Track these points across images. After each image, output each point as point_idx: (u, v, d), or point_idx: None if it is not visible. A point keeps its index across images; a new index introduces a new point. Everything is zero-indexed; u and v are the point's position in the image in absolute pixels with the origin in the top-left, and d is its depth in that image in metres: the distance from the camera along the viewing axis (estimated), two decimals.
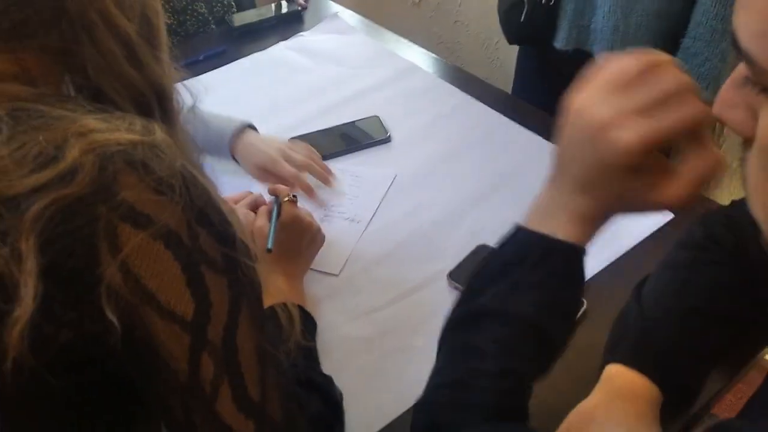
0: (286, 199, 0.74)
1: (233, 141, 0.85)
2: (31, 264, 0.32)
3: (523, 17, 1.01)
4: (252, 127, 0.88)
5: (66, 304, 0.34)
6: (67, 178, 0.34)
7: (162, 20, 0.50)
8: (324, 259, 0.76)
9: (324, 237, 0.76)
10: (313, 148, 0.89)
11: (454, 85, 1.08)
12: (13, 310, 0.32)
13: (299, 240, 0.73)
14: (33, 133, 0.36)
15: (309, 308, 0.69)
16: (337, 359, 0.67)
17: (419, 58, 1.17)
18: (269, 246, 0.67)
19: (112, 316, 0.35)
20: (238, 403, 0.41)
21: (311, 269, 0.76)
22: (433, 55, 1.18)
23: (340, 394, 0.61)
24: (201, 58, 1.20)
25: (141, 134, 0.39)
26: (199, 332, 0.39)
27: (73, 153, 0.35)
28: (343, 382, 0.61)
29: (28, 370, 0.33)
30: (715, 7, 0.90)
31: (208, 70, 1.17)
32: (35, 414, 0.37)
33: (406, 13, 1.95)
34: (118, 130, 0.38)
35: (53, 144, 0.35)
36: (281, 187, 0.76)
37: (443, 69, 1.14)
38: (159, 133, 0.40)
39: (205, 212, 0.39)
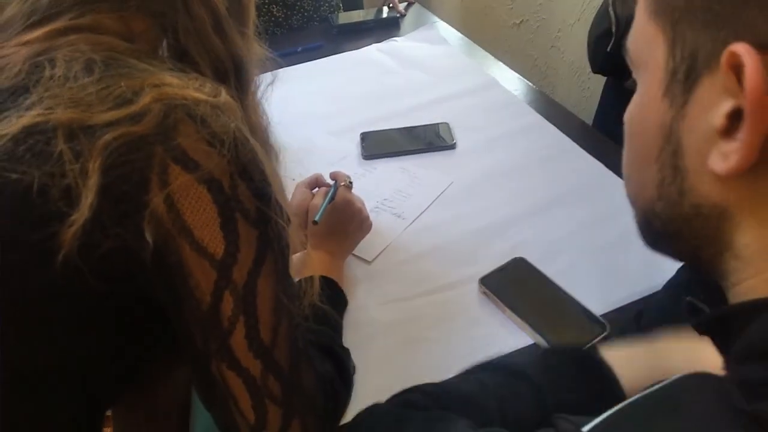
0: (343, 183, 0.79)
1: None
2: (93, 181, 0.39)
3: (609, 47, 1.01)
4: None
5: (114, 219, 0.40)
6: (136, 119, 0.41)
7: (252, 1, 0.57)
8: (362, 245, 0.81)
9: (371, 225, 0.81)
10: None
11: (531, 105, 1.09)
12: (71, 214, 0.39)
13: (348, 223, 0.78)
14: (118, 78, 0.43)
15: (344, 288, 0.74)
16: (358, 337, 0.71)
17: (503, 75, 1.20)
18: (316, 218, 0.72)
19: (149, 237, 0.41)
20: (249, 342, 0.46)
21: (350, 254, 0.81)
22: (517, 74, 1.20)
23: (354, 368, 0.65)
24: (299, 50, 1.30)
25: (207, 95, 0.45)
26: (225, 271, 0.44)
27: (145, 99, 0.42)
28: (357, 358, 0.66)
29: (73, 269, 0.40)
30: None
31: (304, 62, 1.26)
32: (73, 311, 0.44)
33: (505, 33, 1.97)
34: (187, 88, 0.45)
35: (132, 90, 0.43)
36: (341, 173, 0.82)
37: (524, 89, 1.16)
38: (224, 96, 0.47)
39: (248, 169, 0.45)
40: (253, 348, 0.46)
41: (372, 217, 0.82)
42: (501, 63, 1.24)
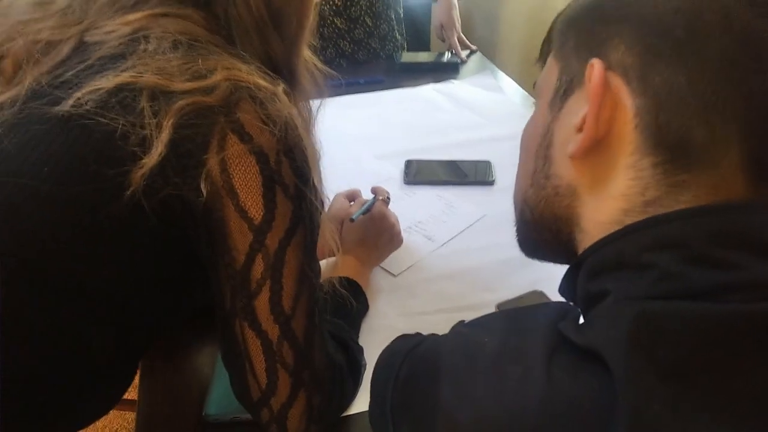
0: (381, 198, 0.85)
1: None
2: (164, 135, 0.46)
3: None
4: None
5: (176, 170, 0.47)
6: (207, 91, 0.48)
7: (297, 16, 0.62)
8: (391, 259, 0.86)
9: (401, 240, 0.86)
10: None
11: None
12: (143, 158, 0.46)
13: (380, 234, 0.83)
14: (197, 57, 0.51)
15: (368, 294, 0.79)
16: (373, 340, 0.74)
17: None
18: (353, 217, 0.78)
19: (204, 190, 0.47)
20: (272, 306, 0.51)
21: (378, 266, 0.86)
22: None
23: (364, 365, 0.69)
24: (362, 81, 1.39)
25: (268, 82, 0.52)
26: (260, 235, 0.50)
27: (217, 77, 0.49)
28: (370, 359, 0.69)
29: (136, 206, 0.47)
30: None
31: (366, 92, 1.35)
32: (130, 242, 0.50)
33: None
34: (253, 74, 0.52)
35: (207, 68, 0.50)
36: (381, 188, 0.88)
37: None
38: (282, 88, 0.54)
39: (293, 150, 0.51)
40: (274, 313, 0.51)
41: (404, 236, 0.87)
42: None
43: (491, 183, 1.04)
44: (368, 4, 1.45)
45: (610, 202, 0.38)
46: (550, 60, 0.44)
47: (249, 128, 0.48)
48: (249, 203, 0.49)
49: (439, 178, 1.05)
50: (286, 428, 0.56)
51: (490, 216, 0.97)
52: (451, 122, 1.24)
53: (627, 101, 0.36)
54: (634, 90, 0.36)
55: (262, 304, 0.51)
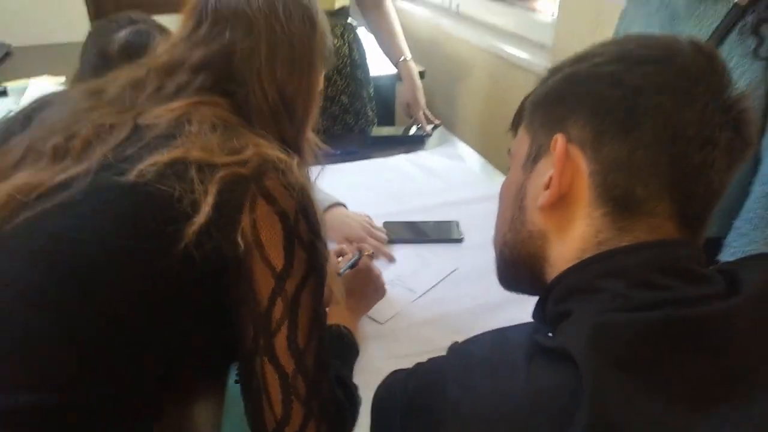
0: (366, 253, 0.97)
1: (326, 211, 1.12)
2: (210, 198, 0.57)
3: None
4: (342, 205, 1.16)
5: (218, 227, 0.57)
6: (241, 164, 0.60)
7: (300, 102, 0.75)
8: (377, 309, 0.96)
9: (385, 291, 0.97)
10: (384, 230, 1.17)
11: None
12: (194, 217, 0.56)
13: (366, 285, 0.95)
14: (231, 136, 0.63)
15: (357, 340, 0.88)
16: (365, 382, 0.83)
17: None
18: (341, 272, 0.89)
19: (241, 243, 0.58)
20: (288, 343, 0.61)
21: (366, 315, 0.96)
22: None
23: (360, 402, 0.78)
24: (338, 152, 1.53)
25: (286, 156, 0.64)
26: (281, 282, 0.60)
27: (248, 152, 0.61)
28: (364, 399, 0.78)
29: (187, 257, 0.56)
30: (765, 197, 1.04)
31: (342, 162, 1.49)
32: (177, 290, 0.59)
33: None
34: (275, 149, 0.64)
35: (240, 145, 0.62)
36: (365, 245, 1.00)
37: None
38: (296, 160, 0.65)
39: (308, 211, 0.62)
40: (291, 349, 0.61)
41: (388, 288, 0.99)
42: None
43: (460, 240, 1.17)
44: (345, 84, 1.62)
45: (571, 243, 0.50)
46: (521, 131, 0.56)
47: (274, 192, 0.60)
48: (272, 254, 0.59)
49: (415, 237, 1.18)
50: None
51: (461, 269, 1.09)
52: (420, 188, 1.38)
53: (583, 167, 0.49)
54: (589, 158, 0.48)
55: (281, 341, 0.60)
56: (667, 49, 0.49)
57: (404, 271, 1.08)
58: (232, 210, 0.58)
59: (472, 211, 1.28)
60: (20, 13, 2.89)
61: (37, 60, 2.38)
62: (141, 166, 0.58)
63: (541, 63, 1.82)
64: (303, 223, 0.61)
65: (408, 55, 1.66)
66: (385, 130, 1.68)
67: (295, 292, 0.61)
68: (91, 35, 1.04)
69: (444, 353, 0.52)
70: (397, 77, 1.74)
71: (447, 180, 1.43)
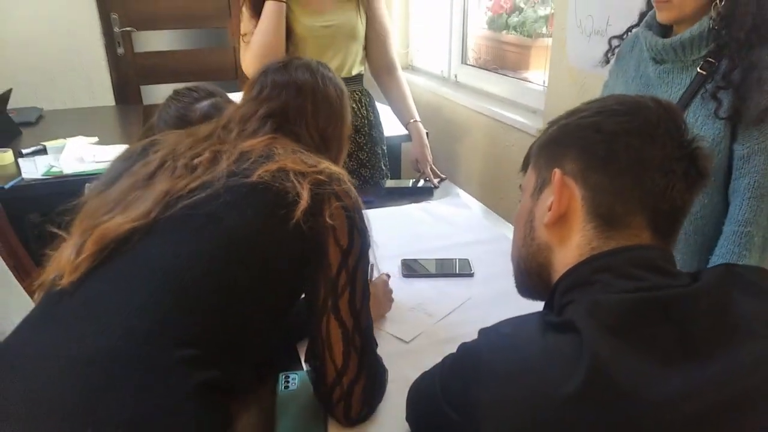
0: (383, 273, 1.17)
1: None
2: (305, 193, 0.78)
3: None
4: None
5: (312, 213, 0.78)
6: (319, 173, 0.82)
7: (336, 143, 1.00)
8: (403, 330, 1.10)
9: (391, 306, 1.16)
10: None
11: None
12: (299, 203, 0.77)
13: (380, 295, 1.14)
14: (309, 156, 0.85)
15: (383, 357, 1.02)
16: (395, 388, 0.95)
17: (508, 232, 1.56)
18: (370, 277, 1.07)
19: (330, 223, 0.79)
20: (349, 304, 0.81)
21: (391, 334, 1.10)
22: None
23: (386, 381, 0.92)
24: None
25: (342, 172, 0.86)
26: (345, 256, 0.81)
27: (322, 166, 0.83)
28: (392, 401, 0.91)
29: (296, 231, 0.77)
30: (734, 234, 1.19)
31: None
32: (286, 256, 0.80)
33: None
34: (335, 167, 0.86)
35: (316, 162, 0.84)
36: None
37: None
38: (347, 175, 0.87)
39: (360, 209, 0.84)
40: (351, 309, 0.80)
41: (409, 314, 1.14)
42: (505, 222, 1.62)
43: (471, 275, 1.32)
44: (364, 141, 1.81)
45: (570, 251, 0.66)
46: (530, 169, 0.74)
47: (341, 194, 0.83)
48: (340, 235, 0.81)
49: (430, 272, 1.32)
50: (350, 405, 0.82)
51: (473, 299, 1.24)
52: (432, 233, 1.54)
53: (576, 193, 0.66)
54: (580, 186, 0.65)
55: (344, 302, 0.81)
56: (635, 104, 0.67)
57: (423, 300, 1.22)
58: (319, 201, 0.80)
59: (480, 250, 1.44)
60: (50, 81, 3.13)
61: (67, 123, 2.58)
62: (259, 172, 0.80)
63: (534, 125, 2.04)
64: (359, 216, 0.83)
65: (417, 117, 1.87)
66: (397, 182, 1.86)
67: (355, 265, 0.81)
68: (172, 99, 1.25)
69: None
70: (408, 137, 1.94)
71: (454, 224, 1.59)
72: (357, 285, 0.82)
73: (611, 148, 0.64)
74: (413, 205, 1.71)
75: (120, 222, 0.76)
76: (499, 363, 0.58)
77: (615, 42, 1.38)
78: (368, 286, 0.86)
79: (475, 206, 1.74)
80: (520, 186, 0.76)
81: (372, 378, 0.85)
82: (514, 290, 1.28)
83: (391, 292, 1.16)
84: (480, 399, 0.57)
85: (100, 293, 0.71)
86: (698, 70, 1.14)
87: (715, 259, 1.19)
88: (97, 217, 0.79)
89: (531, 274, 0.72)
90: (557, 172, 0.66)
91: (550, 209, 0.66)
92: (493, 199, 2.03)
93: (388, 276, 1.17)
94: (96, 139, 2.29)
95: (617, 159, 0.63)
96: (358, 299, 0.82)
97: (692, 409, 0.51)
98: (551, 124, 0.72)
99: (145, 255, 0.74)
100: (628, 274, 0.60)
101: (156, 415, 0.62)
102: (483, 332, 0.64)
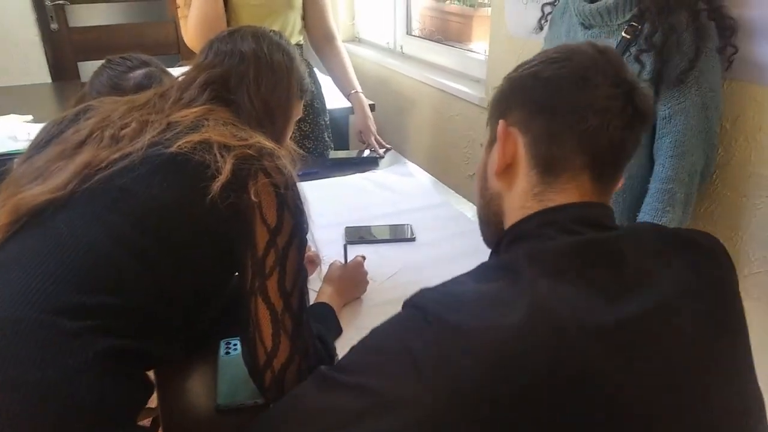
0: (359, 256, 1.18)
1: None
2: (228, 167, 0.75)
3: None
4: None
5: (233, 188, 0.75)
6: (248, 147, 0.79)
7: (281, 115, 0.97)
8: None
9: (366, 288, 1.16)
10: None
11: (473, 219, 1.47)
12: (217, 178, 0.74)
13: (355, 277, 1.14)
14: (240, 130, 0.83)
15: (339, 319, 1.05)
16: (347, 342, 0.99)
17: (453, 199, 1.60)
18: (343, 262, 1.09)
19: (255, 200, 0.76)
20: (278, 285, 0.78)
21: None
22: (465, 199, 1.60)
23: (336, 358, 0.92)
24: (300, 173, 1.69)
25: (277, 148, 0.84)
26: (274, 236, 0.77)
27: (252, 140, 0.80)
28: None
29: (213, 208, 0.74)
30: (659, 192, 1.25)
31: (304, 181, 1.65)
32: (203, 235, 0.78)
33: (462, 181, 2.44)
34: (269, 142, 0.84)
35: (246, 136, 0.82)
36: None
37: (472, 210, 1.55)
38: (283, 151, 0.85)
39: (294, 186, 0.81)
40: (280, 290, 0.77)
41: None
42: (452, 191, 1.65)
43: (413, 239, 1.35)
44: (306, 113, 1.80)
45: (516, 196, 0.68)
46: (488, 125, 0.75)
47: (270, 170, 0.79)
48: (268, 214, 0.78)
49: (374, 238, 1.34)
50: (283, 389, 0.78)
51: (412, 262, 1.27)
52: (376, 201, 1.56)
53: (519, 141, 0.68)
54: (522, 134, 0.67)
55: (272, 283, 0.77)
56: (570, 50, 0.69)
57: (366, 265, 1.24)
58: (243, 177, 0.77)
59: (422, 216, 1.47)
60: None
61: (0, 101, 2.46)
62: (180, 142, 0.78)
63: (477, 94, 2.07)
64: (291, 195, 0.80)
65: (358, 87, 1.87)
66: (342, 153, 1.87)
67: (284, 246, 0.78)
68: (104, 67, 1.22)
69: None
70: (351, 110, 1.94)
71: (399, 192, 1.61)
72: (288, 265, 0.78)
73: (547, 94, 0.67)
74: (358, 175, 1.72)
75: (36, 193, 0.76)
76: (444, 312, 0.58)
77: (548, 9, 1.41)
78: (303, 267, 0.82)
79: (420, 175, 1.76)
80: (481, 144, 0.79)
81: (309, 361, 0.79)
82: (457, 254, 1.33)
83: (366, 273, 1.16)
84: (432, 349, 0.56)
85: (4, 264, 0.72)
86: (623, 34, 1.18)
87: (642, 216, 1.25)
88: (19, 186, 0.79)
89: (489, 224, 0.74)
90: (501, 123, 0.69)
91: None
92: (438, 168, 2.06)
93: (363, 258, 1.18)
94: (30, 117, 2.20)
95: (552, 104, 0.66)
96: (288, 281, 0.78)
97: (630, 336, 0.55)
98: (503, 80, 0.74)
99: (55, 229, 0.74)
100: (570, 229, 0.63)
101: (58, 379, 0.63)
102: (424, 289, 0.64)
